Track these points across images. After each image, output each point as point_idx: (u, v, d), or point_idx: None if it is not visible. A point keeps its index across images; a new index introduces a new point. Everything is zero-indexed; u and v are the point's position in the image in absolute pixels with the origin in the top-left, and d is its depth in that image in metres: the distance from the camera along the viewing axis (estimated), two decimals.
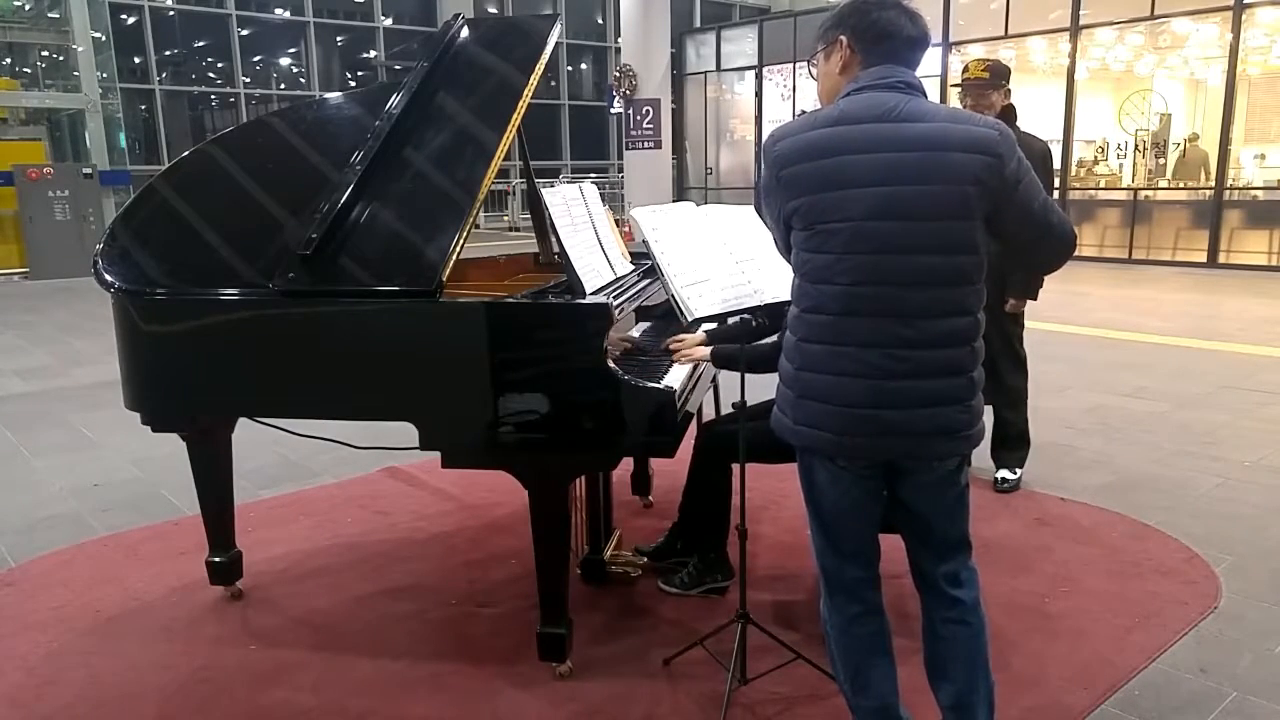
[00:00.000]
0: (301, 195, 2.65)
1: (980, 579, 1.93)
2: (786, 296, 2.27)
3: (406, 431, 2.37)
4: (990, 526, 3.40)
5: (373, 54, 19.36)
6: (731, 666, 2.34)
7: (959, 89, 3.66)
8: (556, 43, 2.99)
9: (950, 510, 1.86)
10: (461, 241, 2.44)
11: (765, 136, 1.78)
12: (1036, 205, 1.76)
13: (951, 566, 1.88)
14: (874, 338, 1.71)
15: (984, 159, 1.67)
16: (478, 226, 7.32)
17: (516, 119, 2.70)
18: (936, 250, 1.69)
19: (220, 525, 2.96)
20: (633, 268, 3.01)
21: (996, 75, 3.59)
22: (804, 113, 1.80)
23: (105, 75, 15.46)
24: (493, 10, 20.43)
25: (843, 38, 1.81)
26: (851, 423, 1.74)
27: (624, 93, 12.76)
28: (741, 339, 2.31)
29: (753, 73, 16.85)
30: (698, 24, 20.18)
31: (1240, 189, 11.71)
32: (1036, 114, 11.56)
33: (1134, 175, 12.86)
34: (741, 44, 17.22)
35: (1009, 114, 3.63)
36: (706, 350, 2.48)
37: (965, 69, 3.66)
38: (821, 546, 1.90)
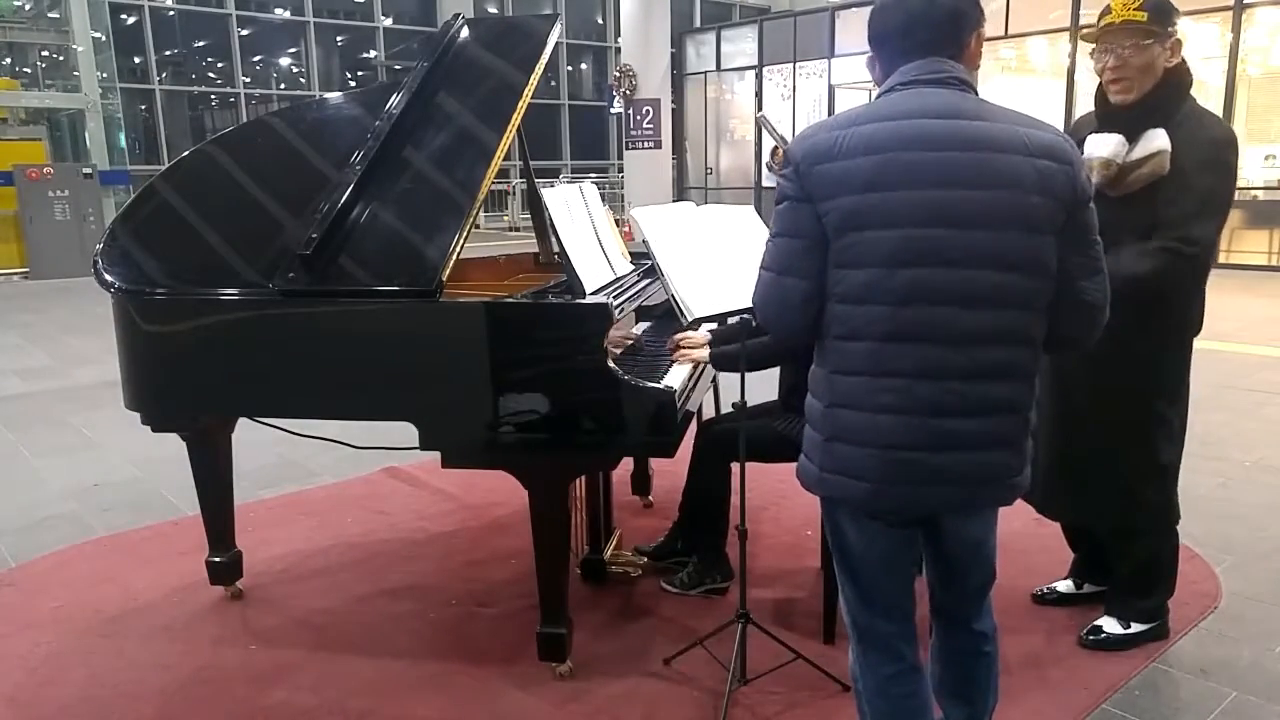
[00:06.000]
0: (301, 195, 2.65)
1: None
2: None
3: (406, 431, 2.37)
4: None
5: (373, 54, 19.36)
6: (731, 666, 2.34)
7: (1092, 43, 2.34)
8: (556, 43, 2.99)
9: (987, 555, 1.73)
10: (461, 241, 2.44)
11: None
12: (1094, 236, 1.55)
13: (978, 604, 1.78)
14: (924, 367, 1.47)
15: (1053, 165, 1.47)
16: (478, 226, 7.32)
17: (516, 119, 2.70)
18: (996, 265, 1.46)
19: (220, 525, 2.96)
20: (633, 268, 3.02)
21: (1159, 15, 2.23)
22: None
23: (105, 75, 15.46)
24: (493, 10, 20.42)
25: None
26: (891, 468, 1.52)
27: (624, 93, 12.75)
28: (741, 339, 2.31)
29: (753, 73, 16.84)
30: (698, 24, 20.17)
31: (1240, 189, 11.70)
32: (1037, 114, 11.50)
33: None
34: (741, 44, 17.20)
35: (1181, 78, 2.32)
36: (705, 352, 2.49)
37: (1106, 9, 2.29)
38: (850, 599, 1.71)
